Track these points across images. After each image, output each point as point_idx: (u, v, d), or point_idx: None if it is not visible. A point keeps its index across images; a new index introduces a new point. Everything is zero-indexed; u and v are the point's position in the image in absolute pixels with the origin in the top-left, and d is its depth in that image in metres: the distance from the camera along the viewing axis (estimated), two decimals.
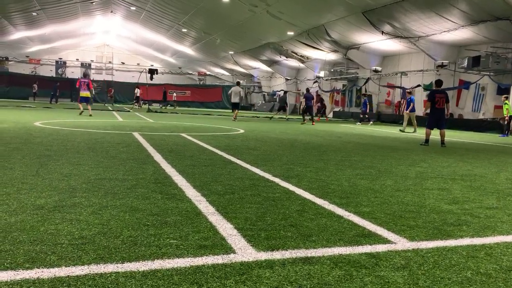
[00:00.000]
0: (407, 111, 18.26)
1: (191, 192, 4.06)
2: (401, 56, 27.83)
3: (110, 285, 2.01)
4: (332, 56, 31.58)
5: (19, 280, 2.01)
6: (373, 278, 2.26)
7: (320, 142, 10.71)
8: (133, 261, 2.31)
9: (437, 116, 10.97)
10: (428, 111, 11.43)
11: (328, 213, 3.56)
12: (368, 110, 24.57)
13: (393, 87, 28.69)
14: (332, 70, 33.91)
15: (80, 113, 17.70)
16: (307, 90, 22.67)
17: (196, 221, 3.14)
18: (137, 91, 34.78)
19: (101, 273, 2.14)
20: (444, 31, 20.84)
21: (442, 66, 23.20)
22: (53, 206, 3.33)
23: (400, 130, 17.75)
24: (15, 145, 6.94)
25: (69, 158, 5.82)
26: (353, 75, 32.06)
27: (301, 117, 22.67)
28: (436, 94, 10.86)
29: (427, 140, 11.10)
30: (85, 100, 18.09)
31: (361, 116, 24.60)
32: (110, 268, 2.21)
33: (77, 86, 18.25)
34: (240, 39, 34.75)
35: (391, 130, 18.61)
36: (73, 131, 9.99)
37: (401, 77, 26.92)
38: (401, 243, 2.89)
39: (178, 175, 4.93)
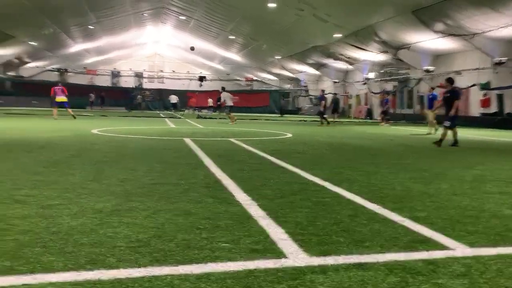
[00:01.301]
0: (431, 110, 16.12)
1: (241, 196, 4.10)
2: (455, 55, 26.68)
3: (165, 287, 2.07)
4: (381, 57, 30.83)
5: (81, 281, 2.11)
6: (430, 286, 2.18)
7: (370, 145, 10.47)
8: (187, 264, 2.37)
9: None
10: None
11: (382, 218, 3.47)
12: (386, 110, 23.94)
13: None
14: (381, 71, 33.09)
15: (74, 117, 19.11)
16: (323, 91, 22.53)
17: (247, 225, 3.16)
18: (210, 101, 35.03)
19: (157, 275, 2.20)
20: (501, 27, 19.75)
21: (500, 63, 21.99)
22: (110, 210, 3.48)
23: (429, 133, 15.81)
24: (74, 152, 7.32)
25: (124, 164, 6.06)
26: (404, 76, 31.11)
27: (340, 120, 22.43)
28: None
29: (456, 141, 10.37)
30: (62, 104, 19.40)
31: (381, 116, 23.93)
32: (165, 270, 2.27)
33: (51, 95, 19.71)
34: (286, 43, 34.75)
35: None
36: (128, 138, 10.40)
37: (454, 76, 25.78)
38: (460, 250, 2.76)
39: (228, 179, 5.00)
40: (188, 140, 10.08)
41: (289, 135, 13.30)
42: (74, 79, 49.85)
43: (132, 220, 3.19)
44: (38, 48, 39.05)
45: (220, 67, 52.96)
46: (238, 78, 55.76)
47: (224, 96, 21.94)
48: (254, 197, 4.09)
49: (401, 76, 31.40)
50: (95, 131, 12.32)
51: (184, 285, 2.10)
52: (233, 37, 37.78)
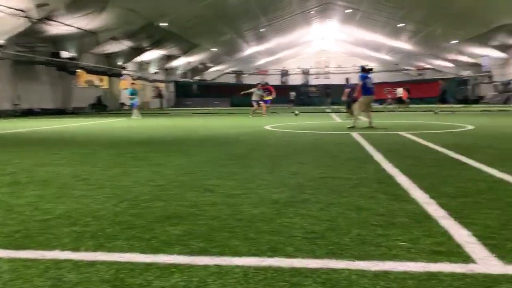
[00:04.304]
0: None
1: (417, 194, 3.85)
2: None
3: (343, 281, 2.07)
4: None
5: (264, 266, 2.27)
6: None
7: None
8: (363, 260, 2.33)
9: None
10: None
11: None
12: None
13: None
14: None
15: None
16: (347, 80, 19.86)
17: (426, 224, 2.96)
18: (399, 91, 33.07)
19: (334, 268, 2.23)
20: None
21: None
22: (286, 201, 3.65)
23: None
24: (252, 146, 7.92)
25: (295, 157, 6.30)
26: None
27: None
28: None
29: None
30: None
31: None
32: (342, 264, 2.28)
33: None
34: (464, 25, 31.26)
35: None
36: (297, 133, 10.79)
37: None
38: None
39: (402, 175, 4.75)
40: (355, 134, 9.94)
41: (470, 127, 11.96)
42: (247, 79, 53.95)
43: (306, 212, 3.30)
44: (218, 54, 43.55)
45: (387, 57, 50.74)
46: (407, 67, 52.54)
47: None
48: (432, 195, 3.79)
49: None
50: (268, 127, 13.11)
51: (362, 281, 2.07)
52: (403, 25, 35.71)
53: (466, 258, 2.33)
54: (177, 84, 46.94)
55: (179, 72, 45.70)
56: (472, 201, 3.58)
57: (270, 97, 22.36)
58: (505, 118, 16.56)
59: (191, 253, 2.47)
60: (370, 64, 50.88)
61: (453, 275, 2.11)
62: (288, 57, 56.06)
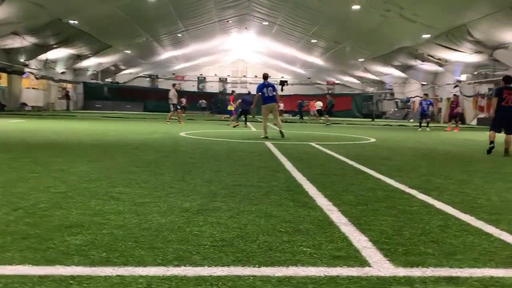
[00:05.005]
0: None
1: (322, 201, 4.04)
2: None
3: None
4: (475, 58, 28.69)
5: (169, 276, 2.22)
6: None
7: (463, 152, 9.78)
8: (269, 266, 2.38)
9: (505, 116, 9.13)
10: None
11: (475, 230, 3.22)
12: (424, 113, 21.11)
13: None
14: (475, 73, 30.76)
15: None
16: (249, 93, 21.46)
17: (328, 230, 3.11)
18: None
19: (239, 275, 2.25)
20: None
21: None
22: (197, 209, 3.62)
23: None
24: (164, 153, 7.75)
25: (209, 165, 6.29)
26: (501, 78, 28.69)
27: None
28: (505, 90, 9.22)
29: (491, 142, 9.14)
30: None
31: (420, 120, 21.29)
32: (247, 271, 2.31)
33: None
34: (370, 45, 33.75)
35: None
36: (212, 141, 10.78)
37: None
38: None
39: (309, 183, 4.96)
40: (268, 143, 10.19)
41: (373, 140, 12.88)
42: (164, 84, 52.85)
43: (216, 220, 3.29)
44: (132, 56, 42.09)
45: (301, 71, 52.94)
46: (319, 82, 55.26)
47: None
48: (336, 202, 4.01)
49: (498, 78, 28.95)
50: (183, 133, 12.94)
51: (265, 286, 2.12)
52: (315, 41, 37.56)
53: (362, 262, 2.49)
54: (87, 85, 44.41)
55: (89, 73, 43.34)
56: (371, 208, 3.85)
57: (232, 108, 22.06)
58: (403, 133, 18.10)
59: (92, 263, 2.34)
60: (286, 77, 52.83)
61: (349, 279, 2.24)
62: (206, 64, 55.96)
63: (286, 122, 27.68)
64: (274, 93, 12.05)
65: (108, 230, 2.96)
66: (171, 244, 2.71)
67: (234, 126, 18.06)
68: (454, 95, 23.20)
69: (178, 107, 20.75)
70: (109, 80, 48.64)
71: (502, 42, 24.43)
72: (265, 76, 12.62)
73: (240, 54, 56.86)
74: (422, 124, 20.95)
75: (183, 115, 21.24)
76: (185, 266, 2.35)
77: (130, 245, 2.67)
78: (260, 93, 12.06)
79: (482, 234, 3.13)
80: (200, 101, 40.86)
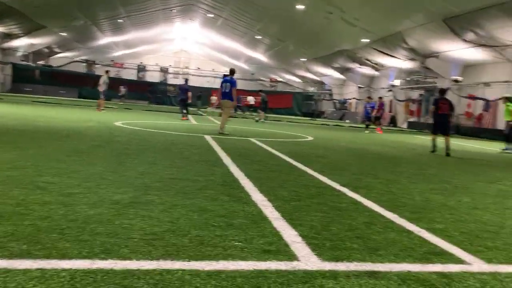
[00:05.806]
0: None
1: (257, 196, 4.10)
2: (485, 66, 26.06)
3: (176, 282, 2.08)
4: (408, 65, 30.36)
5: (94, 269, 2.15)
6: None
7: (393, 154, 10.33)
8: (199, 260, 2.38)
9: (441, 121, 10.89)
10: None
11: (398, 228, 3.42)
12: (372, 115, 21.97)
13: (474, 98, 26.95)
14: (408, 79, 32.57)
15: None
16: (186, 81, 21.03)
17: (261, 225, 3.16)
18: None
19: (168, 269, 2.23)
20: None
21: None
22: (128, 202, 3.52)
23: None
24: (97, 143, 7.45)
25: (145, 157, 6.14)
26: (431, 85, 30.55)
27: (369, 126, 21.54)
28: (440, 101, 11.07)
29: (434, 146, 10.88)
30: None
31: (366, 122, 22.28)
32: (177, 265, 2.29)
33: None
34: (313, 46, 34.61)
35: (471, 144, 17.46)
36: (150, 132, 10.53)
37: (483, 88, 25.18)
38: (477, 265, 2.70)
39: (246, 178, 5.00)
40: (208, 138, 10.14)
41: (310, 138, 13.23)
42: (101, 71, 50.72)
43: (148, 213, 3.23)
44: (68, 39, 39.91)
45: (245, 66, 53.10)
46: (262, 78, 55.77)
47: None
48: (270, 198, 4.08)
49: (428, 85, 30.84)
50: (118, 123, 12.51)
51: (194, 280, 2.11)
52: (260, 37, 37.83)
53: (291, 256, 2.56)
54: (16, 67, 41.45)
55: (19, 54, 40.52)
56: (304, 204, 3.96)
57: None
58: (339, 132, 18.76)
59: (10, 256, 2.21)
60: (228, 71, 52.76)
61: (278, 272, 2.30)
62: (147, 52, 54.37)
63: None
64: (232, 89, 11.86)
65: (31, 221, 2.81)
66: (99, 236, 2.62)
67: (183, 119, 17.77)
68: (379, 98, 24.23)
69: (102, 96, 19.93)
70: (41, 62, 45.77)
71: (433, 51, 26.05)
72: (230, 71, 12.34)
73: (183, 45, 55.88)
74: (370, 126, 21.78)
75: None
76: (112, 259, 2.29)
77: (54, 237, 2.55)
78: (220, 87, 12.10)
79: (403, 231, 3.34)
80: (121, 87, 39.84)
